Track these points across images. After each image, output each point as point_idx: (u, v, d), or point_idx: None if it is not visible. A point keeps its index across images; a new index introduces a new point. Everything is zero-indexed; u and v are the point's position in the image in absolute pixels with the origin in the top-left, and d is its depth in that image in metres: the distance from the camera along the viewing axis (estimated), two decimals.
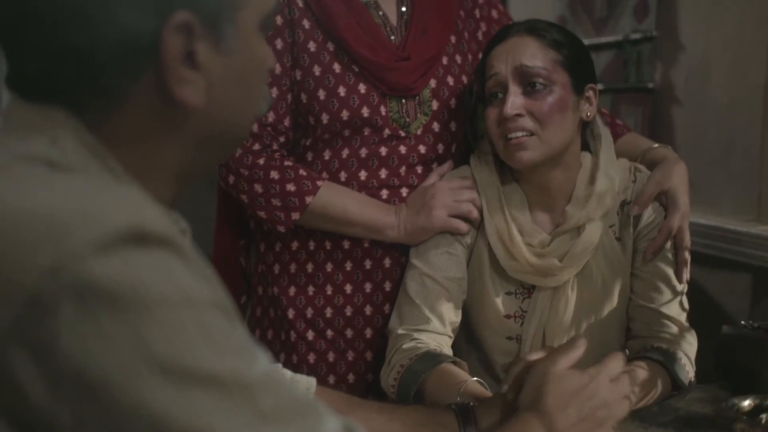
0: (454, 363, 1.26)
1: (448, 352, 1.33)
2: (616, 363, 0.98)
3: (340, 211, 1.36)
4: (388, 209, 1.39)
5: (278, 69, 1.37)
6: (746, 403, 1.17)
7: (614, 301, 1.34)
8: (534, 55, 1.27)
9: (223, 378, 0.52)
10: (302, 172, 1.36)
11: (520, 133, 1.27)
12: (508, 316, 1.36)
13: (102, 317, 0.50)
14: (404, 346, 1.30)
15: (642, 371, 1.24)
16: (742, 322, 1.49)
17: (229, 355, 0.53)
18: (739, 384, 1.41)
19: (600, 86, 2.29)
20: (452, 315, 1.35)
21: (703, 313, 1.84)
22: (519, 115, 1.26)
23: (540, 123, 1.26)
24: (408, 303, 1.35)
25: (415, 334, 1.31)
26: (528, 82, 1.27)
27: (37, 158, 0.58)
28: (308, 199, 1.34)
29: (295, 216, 1.35)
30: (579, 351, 0.97)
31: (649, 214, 1.34)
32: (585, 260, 1.31)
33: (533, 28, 1.31)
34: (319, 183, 1.35)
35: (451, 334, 1.36)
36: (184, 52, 0.61)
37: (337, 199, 1.36)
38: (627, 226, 1.35)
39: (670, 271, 1.34)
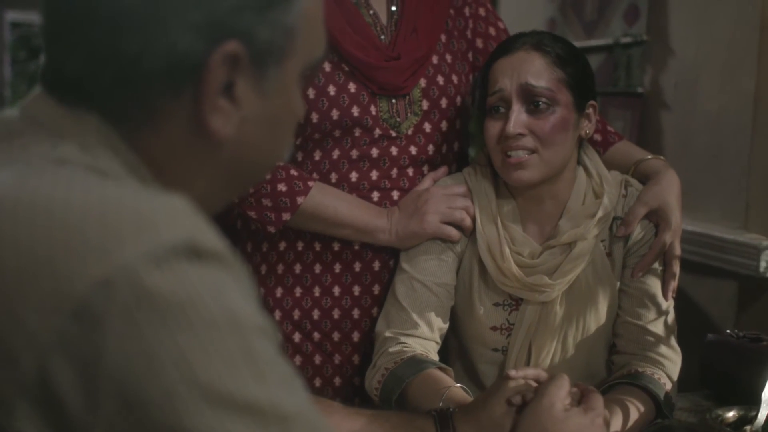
0: (440, 369, 1.25)
1: (435, 357, 1.31)
2: (599, 399, 1.04)
3: (331, 213, 1.34)
4: (380, 212, 1.37)
5: None
6: (731, 414, 1.16)
7: (602, 316, 1.33)
8: (539, 74, 1.26)
9: (262, 407, 0.51)
10: (293, 172, 1.34)
11: (521, 152, 1.26)
12: (494, 328, 1.34)
13: (149, 336, 0.49)
14: (390, 350, 1.29)
15: (625, 400, 1.21)
16: (728, 331, 1.48)
17: (272, 385, 0.52)
18: (723, 393, 1.40)
19: None
20: (440, 321, 1.33)
21: (689, 320, 1.83)
22: (521, 134, 1.25)
23: (541, 142, 1.26)
24: (396, 307, 1.33)
25: (402, 338, 1.30)
26: (532, 101, 1.26)
27: (78, 163, 0.57)
28: (299, 200, 1.32)
29: (286, 216, 1.33)
30: (568, 382, 1.03)
31: (638, 231, 1.33)
32: (575, 276, 1.30)
33: (540, 43, 1.28)
34: (310, 183, 1.34)
35: (438, 340, 1.34)
36: (224, 82, 0.60)
37: (328, 200, 1.34)
38: (617, 241, 1.34)
39: (658, 289, 1.32)
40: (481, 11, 1.51)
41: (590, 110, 1.31)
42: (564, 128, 1.26)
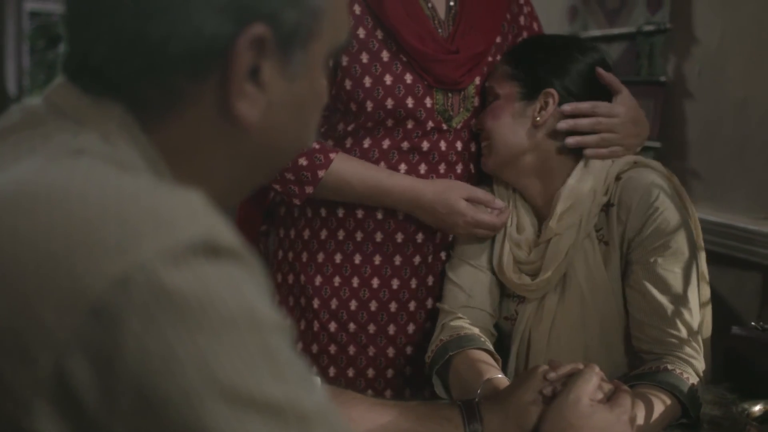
0: (488, 352, 1.27)
1: (490, 328, 1.36)
2: (627, 398, 1.03)
3: (356, 181, 1.34)
4: (404, 176, 1.37)
5: None
6: (757, 408, 1.15)
7: (600, 307, 1.30)
8: (489, 76, 1.40)
9: (282, 406, 0.51)
10: (315, 145, 1.35)
11: (484, 143, 1.39)
12: (507, 318, 1.39)
13: (168, 334, 0.48)
14: (451, 323, 1.34)
15: (649, 395, 1.18)
16: (752, 324, 1.46)
17: (291, 383, 0.52)
18: (748, 386, 1.38)
19: None
20: (492, 295, 1.38)
21: (712, 312, 1.82)
22: (479, 129, 1.40)
23: (485, 132, 1.38)
24: (450, 283, 1.39)
25: (460, 313, 1.35)
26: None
27: (97, 154, 0.57)
28: (320, 173, 1.33)
29: (309, 190, 1.35)
30: (597, 376, 1.03)
31: (635, 220, 1.26)
32: (554, 274, 1.29)
33: (504, 47, 1.42)
34: (331, 155, 1.34)
35: (493, 312, 1.38)
36: (251, 67, 0.59)
37: (350, 171, 1.35)
38: (612, 227, 1.29)
39: (672, 280, 1.25)
40: (535, 26, 1.52)
41: (544, 98, 1.33)
42: (495, 116, 1.36)
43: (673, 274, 1.25)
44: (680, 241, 1.25)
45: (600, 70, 1.34)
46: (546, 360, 1.28)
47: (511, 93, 1.35)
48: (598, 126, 1.31)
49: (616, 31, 2.27)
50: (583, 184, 1.30)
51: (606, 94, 1.35)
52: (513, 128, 1.34)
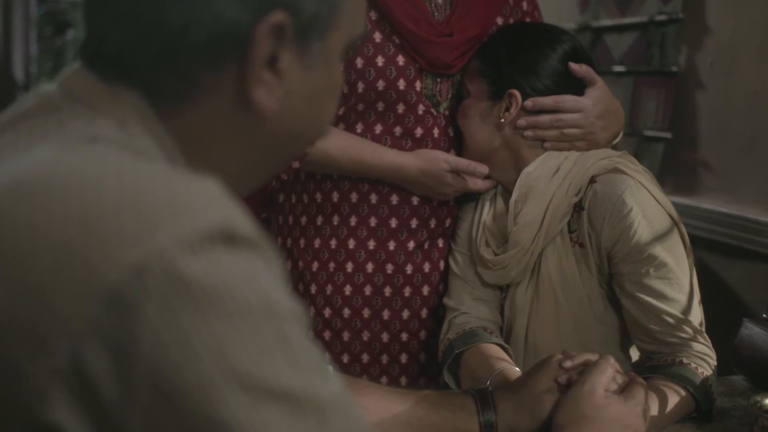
0: (501, 347, 1.27)
1: (498, 322, 1.35)
2: (641, 390, 1.03)
3: (340, 155, 1.35)
4: (387, 151, 1.37)
5: None
6: None
7: (573, 308, 1.30)
8: (465, 68, 1.37)
9: (297, 395, 0.51)
10: None
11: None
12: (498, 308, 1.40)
13: (184, 323, 0.48)
14: (456, 320, 1.34)
15: (663, 387, 1.18)
16: (763, 315, 1.46)
17: (306, 372, 0.51)
18: (759, 378, 1.38)
19: (621, 69, 2.26)
20: (494, 286, 1.37)
21: (722, 303, 1.82)
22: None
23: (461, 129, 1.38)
24: (453, 277, 1.40)
25: (464, 308, 1.35)
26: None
27: (113, 140, 0.56)
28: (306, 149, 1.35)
29: (295, 164, 1.37)
30: (612, 368, 1.03)
31: (607, 230, 1.23)
32: (512, 254, 1.29)
33: (485, 36, 1.37)
34: None
35: (495, 302, 1.37)
36: (269, 54, 0.59)
37: (335, 145, 1.35)
38: (583, 231, 1.27)
39: (667, 287, 1.22)
40: (536, 14, 1.51)
41: (508, 98, 1.31)
42: (463, 115, 1.36)
43: (668, 281, 1.23)
44: (665, 248, 1.22)
45: (572, 65, 1.30)
46: (525, 358, 1.31)
47: (480, 91, 1.34)
48: (558, 123, 1.30)
49: (627, 20, 2.26)
50: (540, 172, 1.29)
51: (581, 85, 1.32)
52: (481, 127, 1.34)
